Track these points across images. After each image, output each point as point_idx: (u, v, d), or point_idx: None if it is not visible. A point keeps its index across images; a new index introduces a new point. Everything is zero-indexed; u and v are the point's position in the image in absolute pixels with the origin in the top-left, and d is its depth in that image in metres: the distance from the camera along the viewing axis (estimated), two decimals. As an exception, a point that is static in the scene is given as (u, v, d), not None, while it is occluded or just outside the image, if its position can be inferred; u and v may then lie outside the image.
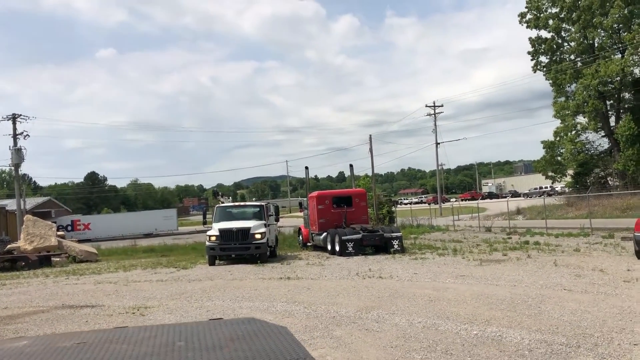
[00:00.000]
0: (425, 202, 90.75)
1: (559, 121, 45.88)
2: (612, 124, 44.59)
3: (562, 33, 46.41)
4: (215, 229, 21.55)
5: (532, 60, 48.13)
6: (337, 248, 22.08)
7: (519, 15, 47.83)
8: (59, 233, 31.34)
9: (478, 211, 40.34)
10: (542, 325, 8.44)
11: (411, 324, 9.00)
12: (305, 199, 28.55)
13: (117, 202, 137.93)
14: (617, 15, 40.35)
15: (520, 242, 22.78)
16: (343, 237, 21.79)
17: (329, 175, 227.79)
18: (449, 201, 76.33)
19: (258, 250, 20.94)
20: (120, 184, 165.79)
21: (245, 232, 20.99)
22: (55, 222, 37.90)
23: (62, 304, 13.07)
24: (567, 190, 51.36)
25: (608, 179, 45.88)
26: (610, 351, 7.02)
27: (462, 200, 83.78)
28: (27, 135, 48.70)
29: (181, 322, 4.81)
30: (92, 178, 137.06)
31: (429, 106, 65.67)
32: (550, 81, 46.84)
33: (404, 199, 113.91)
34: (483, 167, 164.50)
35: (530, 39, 47.55)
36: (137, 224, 57.17)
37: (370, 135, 46.18)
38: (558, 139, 45.87)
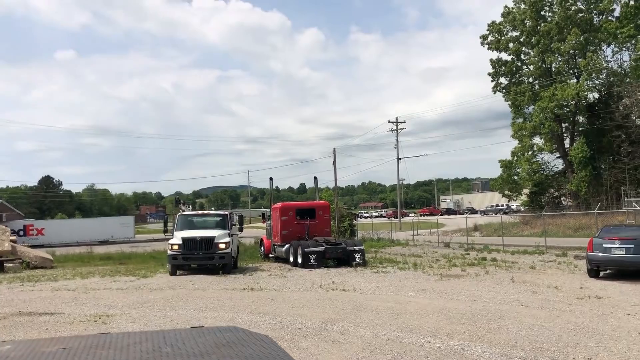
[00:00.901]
0: (385, 216, 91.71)
1: (517, 141, 47.24)
2: (567, 146, 46.16)
3: (522, 56, 47.99)
4: (177, 237, 20.95)
5: (492, 81, 49.56)
6: (300, 260, 22.15)
7: (480, 37, 49.22)
8: (11, 238, 30.40)
9: (437, 226, 41.07)
10: (502, 340, 8.74)
11: (376, 336, 9.17)
12: (268, 209, 28.51)
13: (72, 207, 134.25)
14: (573, 42, 41.99)
15: (478, 258, 23.33)
16: (306, 249, 21.88)
17: (290, 187, 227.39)
18: (408, 216, 77.43)
19: (222, 261, 20.61)
20: (76, 189, 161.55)
21: (209, 241, 20.56)
22: (7, 227, 36.72)
23: (19, 311, 12.75)
24: (522, 208, 52.80)
25: (562, 199, 47.44)
26: (566, 365, 7.34)
27: (421, 215, 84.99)
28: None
29: (163, 329, 4.86)
30: (47, 182, 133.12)
31: (391, 122, 66.72)
32: (510, 102, 48.26)
33: (365, 213, 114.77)
34: (441, 183, 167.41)
35: (491, 60, 48.96)
36: (93, 231, 55.78)
37: (335, 148, 46.66)
38: (515, 158, 47.15)
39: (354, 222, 43.06)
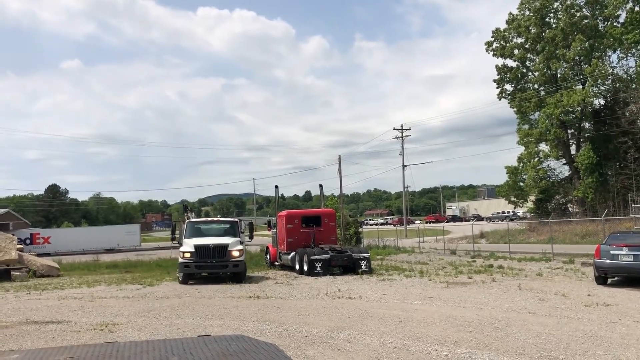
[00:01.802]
0: (390, 224, 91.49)
1: (523, 148, 47.11)
2: (573, 152, 46.01)
3: (527, 63, 47.94)
4: (189, 244, 20.28)
5: (497, 87, 49.46)
6: (306, 268, 22.12)
7: (485, 44, 49.20)
8: (18, 246, 30.51)
9: (443, 234, 40.93)
10: (509, 347, 8.69)
11: (382, 345, 9.14)
12: (274, 217, 28.51)
13: (78, 216, 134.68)
14: (578, 48, 41.92)
15: (485, 265, 23.23)
16: (312, 257, 21.86)
17: (295, 194, 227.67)
18: (414, 223, 77.20)
19: (236, 269, 20.04)
20: (82, 197, 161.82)
21: (223, 249, 19.97)
22: (14, 235, 36.86)
23: (26, 320, 12.77)
24: (528, 215, 52.57)
25: (568, 205, 47.19)
26: (575, 373, 7.28)
27: (426, 222, 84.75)
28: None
29: (170, 338, 4.86)
30: (53, 191, 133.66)
31: (396, 129, 66.70)
32: (515, 109, 48.19)
33: (370, 220, 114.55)
34: (447, 190, 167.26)
35: (497, 66, 48.91)
36: (99, 239, 55.92)
37: (340, 156, 46.72)
38: (521, 165, 46.98)
39: (360, 229, 42.99)
